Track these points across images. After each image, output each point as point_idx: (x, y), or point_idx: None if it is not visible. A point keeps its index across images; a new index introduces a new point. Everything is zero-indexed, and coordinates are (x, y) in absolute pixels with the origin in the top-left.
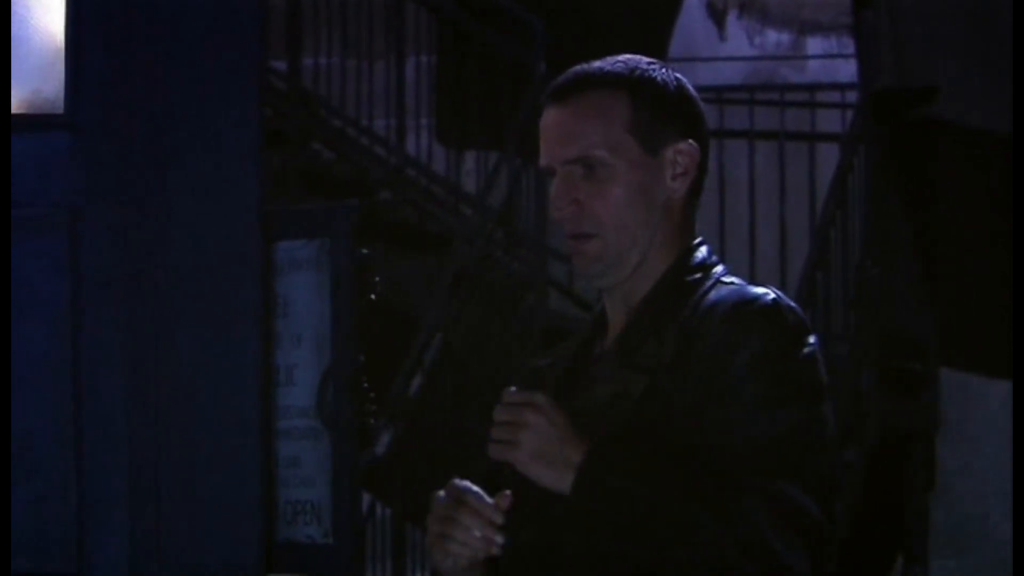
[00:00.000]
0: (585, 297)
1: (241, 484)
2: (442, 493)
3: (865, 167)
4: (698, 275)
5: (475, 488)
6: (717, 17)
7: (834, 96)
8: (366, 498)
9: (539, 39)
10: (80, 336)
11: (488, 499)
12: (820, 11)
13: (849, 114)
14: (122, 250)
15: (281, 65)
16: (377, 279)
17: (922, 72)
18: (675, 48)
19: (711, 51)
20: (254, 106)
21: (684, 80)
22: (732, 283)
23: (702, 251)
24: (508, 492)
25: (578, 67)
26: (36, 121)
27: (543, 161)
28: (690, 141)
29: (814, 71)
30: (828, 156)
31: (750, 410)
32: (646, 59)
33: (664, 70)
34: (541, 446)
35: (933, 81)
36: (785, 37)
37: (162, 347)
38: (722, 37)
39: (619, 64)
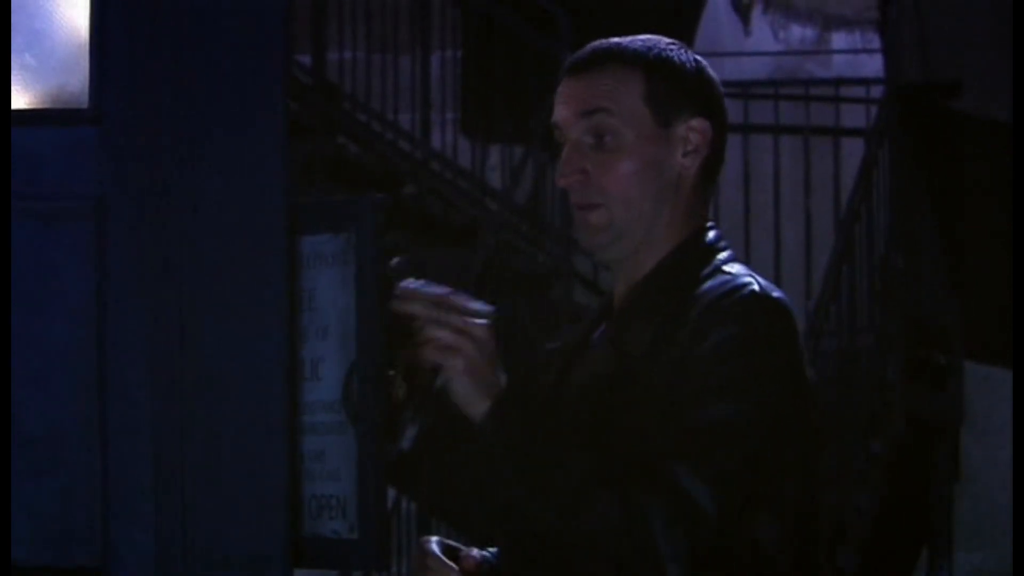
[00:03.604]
0: (610, 289)
1: (266, 477)
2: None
3: (890, 161)
4: (700, 259)
5: (436, 552)
6: (742, 12)
7: (859, 91)
8: (391, 492)
9: (565, 32)
10: (105, 328)
11: (450, 564)
12: (845, 6)
13: (874, 109)
14: (147, 243)
15: (306, 59)
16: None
17: (947, 66)
18: (700, 42)
19: (736, 46)
20: (279, 100)
21: (704, 63)
22: (730, 272)
23: (710, 235)
24: (474, 552)
25: (596, 42)
26: (61, 115)
27: (555, 118)
28: (704, 119)
29: (839, 66)
30: (853, 150)
31: (692, 398)
32: (667, 39)
33: (683, 51)
34: (478, 361)
35: (958, 75)
36: (810, 32)
37: (187, 339)
38: (747, 32)
39: (637, 42)
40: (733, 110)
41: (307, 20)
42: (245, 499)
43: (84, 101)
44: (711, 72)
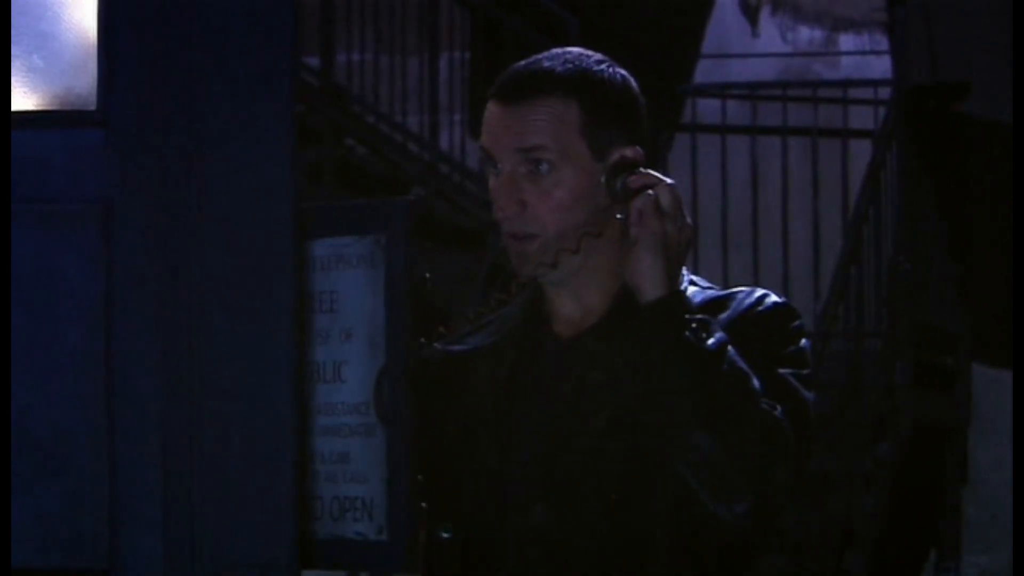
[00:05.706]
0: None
1: (275, 480)
2: None
3: (898, 163)
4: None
5: None
6: (750, 14)
7: (867, 92)
8: None
9: (573, 35)
10: (113, 331)
11: None
12: (853, 7)
13: (882, 110)
14: (155, 246)
15: (314, 61)
16: (428, 275)
17: (955, 68)
18: (708, 44)
19: (744, 47)
20: (288, 102)
21: (630, 79)
22: (705, 282)
23: None
24: None
25: (527, 67)
26: (69, 118)
27: (486, 144)
28: (636, 147)
29: (847, 67)
30: (861, 152)
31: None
32: (595, 56)
33: (612, 70)
34: (675, 248)
35: (966, 77)
36: (818, 33)
37: (195, 342)
38: (755, 34)
39: (569, 66)
40: (741, 112)
41: (315, 22)
42: (253, 502)
43: (92, 103)
44: (636, 88)
